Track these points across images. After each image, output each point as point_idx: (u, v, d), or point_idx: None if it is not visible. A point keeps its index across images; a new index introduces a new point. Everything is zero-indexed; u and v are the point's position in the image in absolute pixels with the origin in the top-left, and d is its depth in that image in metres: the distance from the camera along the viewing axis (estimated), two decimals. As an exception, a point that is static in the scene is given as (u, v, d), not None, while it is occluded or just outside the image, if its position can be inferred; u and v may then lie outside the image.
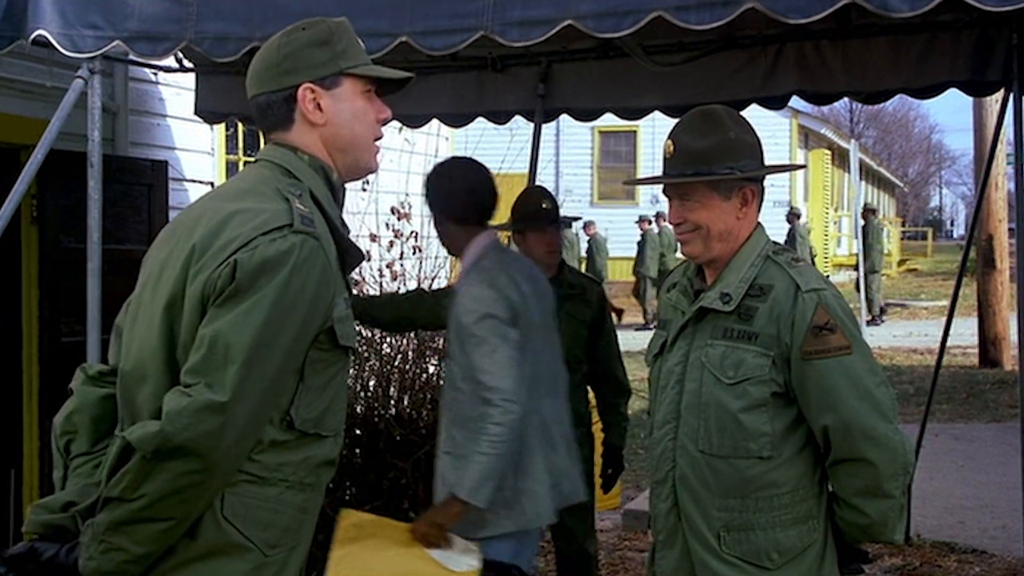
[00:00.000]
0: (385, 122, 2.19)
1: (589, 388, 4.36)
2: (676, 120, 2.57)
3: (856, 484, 2.34)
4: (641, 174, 22.11)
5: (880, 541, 2.43)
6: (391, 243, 5.72)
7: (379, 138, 2.19)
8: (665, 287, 2.64)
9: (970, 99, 9.29)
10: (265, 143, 2.19)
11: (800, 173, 24.05)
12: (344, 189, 2.18)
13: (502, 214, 4.29)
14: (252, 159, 6.19)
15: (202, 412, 1.83)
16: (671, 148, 2.45)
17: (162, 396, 1.89)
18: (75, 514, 2.01)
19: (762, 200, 2.51)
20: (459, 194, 3.25)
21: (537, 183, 4.96)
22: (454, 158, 3.57)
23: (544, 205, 4.15)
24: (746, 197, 2.44)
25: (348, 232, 2.13)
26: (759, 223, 2.50)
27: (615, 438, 4.29)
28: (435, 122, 5.38)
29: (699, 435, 2.41)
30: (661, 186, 2.52)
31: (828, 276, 10.32)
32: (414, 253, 5.78)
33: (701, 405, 2.40)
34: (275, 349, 1.90)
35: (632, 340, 15.07)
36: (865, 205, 18.85)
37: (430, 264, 5.80)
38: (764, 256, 2.43)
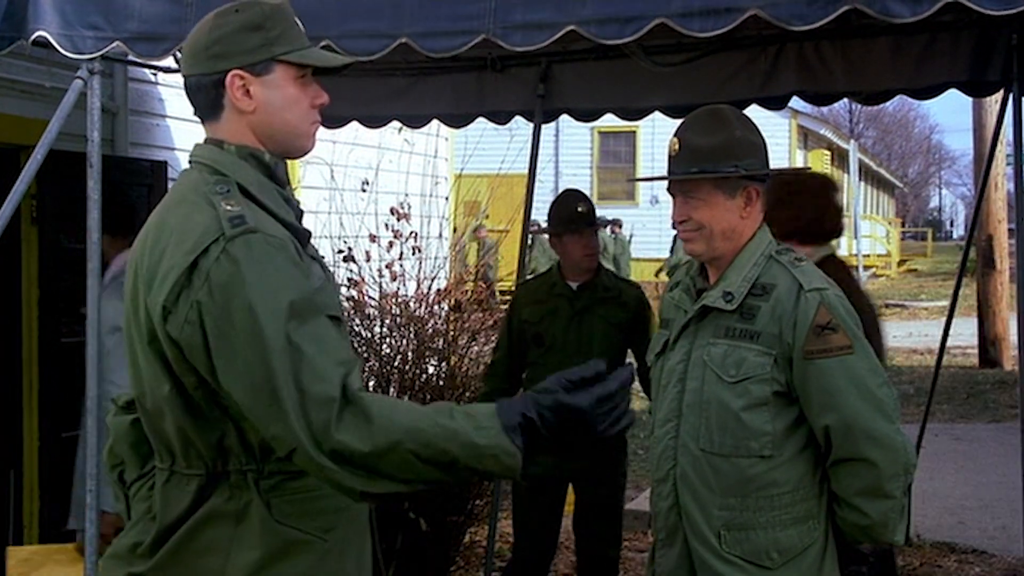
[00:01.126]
0: (322, 106, 2.11)
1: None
2: (676, 121, 2.58)
3: (857, 484, 2.33)
4: (640, 175, 22.11)
5: (881, 542, 2.43)
6: (390, 244, 5.71)
7: (316, 122, 2.11)
8: (668, 286, 2.65)
9: (970, 99, 9.29)
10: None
11: (800, 173, 24.01)
12: (284, 164, 2.10)
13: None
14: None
15: (325, 450, 1.77)
16: (676, 146, 2.46)
17: (183, 428, 1.90)
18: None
19: (765, 201, 2.52)
20: None
21: (536, 184, 4.97)
22: None
23: (580, 209, 4.14)
24: (750, 196, 2.45)
25: (298, 208, 2.07)
26: (763, 223, 2.51)
27: None
28: (435, 122, 5.37)
29: (700, 433, 2.41)
30: (660, 187, 2.53)
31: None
32: (414, 253, 5.77)
33: (703, 403, 2.41)
34: (289, 335, 1.82)
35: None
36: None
37: (430, 265, 5.81)
38: (767, 256, 2.44)
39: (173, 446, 1.95)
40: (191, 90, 2.08)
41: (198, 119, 2.11)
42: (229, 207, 1.91)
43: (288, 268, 1.87)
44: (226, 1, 2.11)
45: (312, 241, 2.11)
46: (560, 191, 4.50)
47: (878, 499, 2.33)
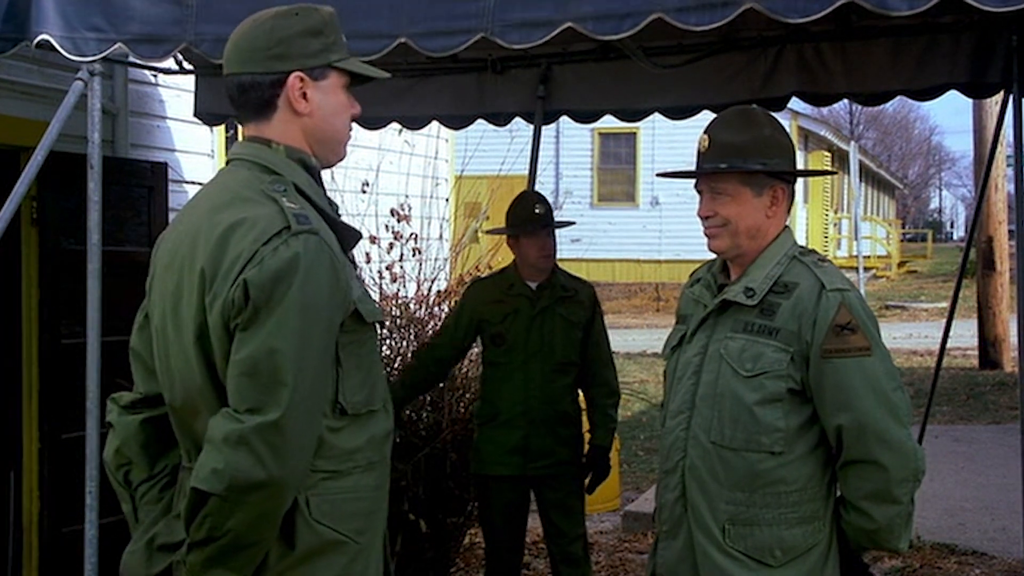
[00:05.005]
0: (355, 119, 2.19)
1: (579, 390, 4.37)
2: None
3: (865, 487, 2.33)
4: (641, 176, 22.11)
5: (885, 549, 2.43)
6: (391, 245, 5.72)
7: (351, 131, 2.20)
8: (688, 283, 2.65)
9: (970, 101, 9.29)
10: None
11: (800, 175, 23.99)
12: (320, 171, 2.16)
13: (503, 217, 4.31)
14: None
15: (261, 433, 1.83)
16: (706, 142, 2.48)
17: None
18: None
19: (791, 203, 2.53)
20: None
21: (537, 185, 4.97)
22: None
23: (537, 210, 4.18)
24: (776, 196, 2.46)
25: (337, 212, 2.12)
26: (787, 225, 2.52)
27: (601, 439, 4.30)
28: (435, 124, 5.37)
29: (712, 426, 2.41)
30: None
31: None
32: (414, 255, 5.78)
33: (716, 396, 2.41)
34: (310, 354, 1.89)
35: (631, 342, 15.08)
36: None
37: (430, 266, 5.81)
38: (790, 256, 2.46)
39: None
40: (241, 88, 2.08)
41: (239, 117, 2.12)
42: (292, 204, 1.96)
43: (328, 284, 1.93)
44: (226, 3, 2.12)
45: None
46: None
47: (885, 504, 2.33)
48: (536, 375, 4.15)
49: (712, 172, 2.46)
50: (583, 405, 4.35)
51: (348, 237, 2.09)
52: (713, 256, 2.60)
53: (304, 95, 2.06)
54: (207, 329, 1.92)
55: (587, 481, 4.32)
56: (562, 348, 4.17)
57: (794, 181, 2.54)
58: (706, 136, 2.49)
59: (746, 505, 2.37)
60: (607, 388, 4.33)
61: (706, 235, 2.51)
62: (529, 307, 4.19)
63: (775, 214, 2.47)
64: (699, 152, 2.50)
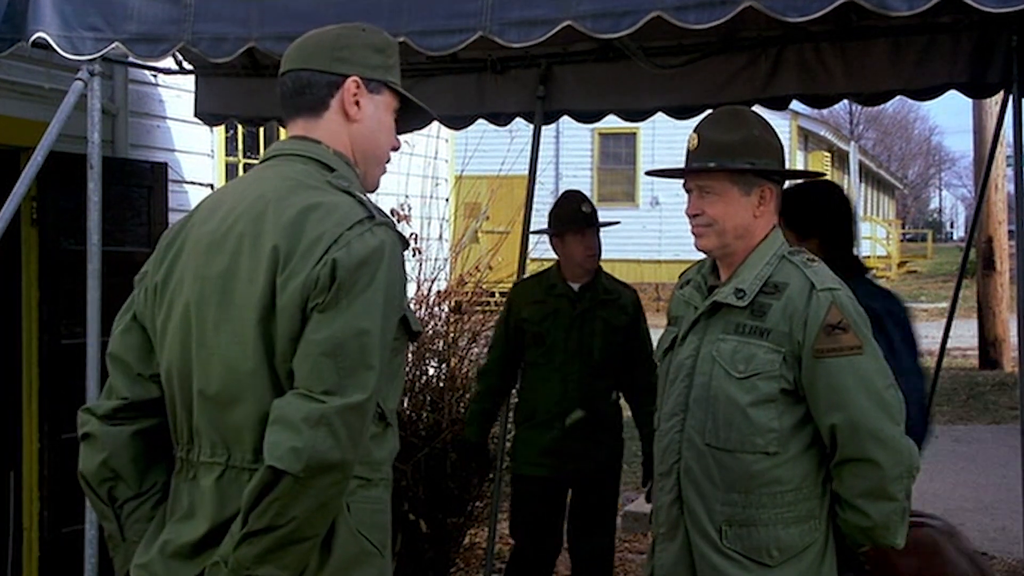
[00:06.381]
0: (395, 150, 2.20)
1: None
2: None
3: (860, 485, 2.34)
4: (641, 176, 22.10)
5: (882, 545, 2.43)
6: (391, 245, 5.70)
7: (389, 160, 2.20)
8: (679, 284, 2.66)
9: (970, 101, 9.30)
10: (276, 138, 2.16)
11: (800, 175, 23.99)
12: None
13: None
14: (254, 160, 6.20)
15: (344, 414, 1.80)
16: (695, 141, 2.49)
17: (267, 413, 1.84)
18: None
19: (780, 203, 2.53)
20: None
21: (537, 185, 4.97)
22: None
23: (584, 208, 4.16)
24: (764, 196, 2.47)
25: None
26: (776, 224, 2.52)
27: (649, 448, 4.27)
28: (435, 124, 5.37)
29: (706, 428, 2.41)
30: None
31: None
32: (414, 255, 5.78)
33: (710, 398, 2.41)
34: (386, 343, 1.89)
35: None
36: None
37: (430, 266, 5.81)
38: (780, 256, 2.46)
39: (241, 437, 1.90)
40: (300, 83, 2.08)
41: (290, 113, 2.11)
42: (364, 196, 1.97)
43: (401, 280, 1.94)
44: (223, 3, 2.13)
45: None
46: (561, 192, 4.50)
47: (880, 501, 2.33)
48: (574, 377, 4.11)
49: (699, 171, 2.46)
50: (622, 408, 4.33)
51: (401, 242, 2.09)
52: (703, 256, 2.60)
53: (357, 102, 2.08)
54: (273, 310, 1.87)
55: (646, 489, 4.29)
56: (601, 351, 4.11)
57: (783, 182, 2.54)
58: (695, 135, 2.50)
59: (742, 506, 2.38)
60: (653, 393, 4.30)
61: (693, 233, 2.52)
62: (570, 308, 4.15)
63: (763, 214, 2.47)
64: (688, 151, 2.51)
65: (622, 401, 4.35)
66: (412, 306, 5.48)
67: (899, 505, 2.35)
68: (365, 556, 1.96)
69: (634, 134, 22.09)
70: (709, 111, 4.57)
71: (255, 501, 1.80)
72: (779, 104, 4.64)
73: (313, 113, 2.08)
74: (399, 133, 2.21)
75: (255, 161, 4.37)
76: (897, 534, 2.37)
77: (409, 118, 2.23)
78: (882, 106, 5.31)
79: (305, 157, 2.04)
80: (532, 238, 5.02)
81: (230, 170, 6.29)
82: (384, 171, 2.20)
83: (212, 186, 5.81)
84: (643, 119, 5.06)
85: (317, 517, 1.82)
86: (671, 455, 2.49)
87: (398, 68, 2.16)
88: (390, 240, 1.92)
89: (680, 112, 4.77)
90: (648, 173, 2.86)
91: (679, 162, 2.62)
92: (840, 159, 27.13)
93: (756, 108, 4.59)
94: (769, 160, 2.47)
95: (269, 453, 1.79)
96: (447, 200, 7.98)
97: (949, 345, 5.65)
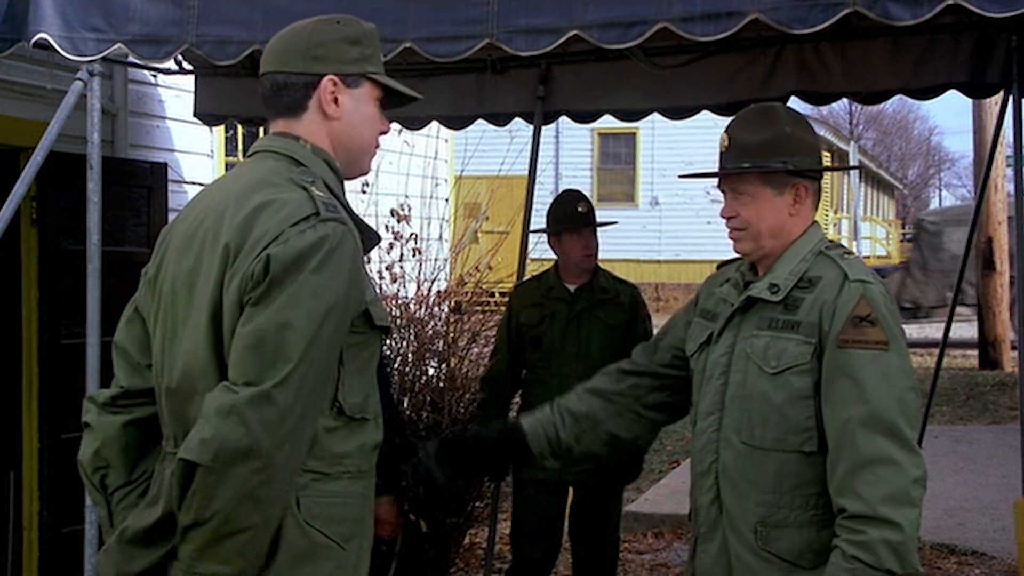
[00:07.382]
0: (383, 134, 2.21)
1: None
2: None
3: (883, 490, 2.16)
4: (641, 176, 22.10)
5: (910, 571, 2.17)
6: (390, 245, 5.72)
7: (378, 147, 2.22)
8: (718, 282, 2.61)
9: (970, 101, 9.28)
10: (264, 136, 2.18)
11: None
12: (343, 176, 2.17)
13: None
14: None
15: (253, 404, 1.81)
16: (726, 142, 2.45)
17: None
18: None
19: (818, 200, 2.48)
20: None
21: (536, 185, 4.97)
22: None
23: (580, 208, 4.14)
24: (799, 193, 2.42)
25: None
26: (815, 221, 2.48)
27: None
28: (435, 124, 5.37)
29: (742, 427, 2.37)
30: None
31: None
32: (414, 255, 5.78)
33: (745, 396, 2.37)
34: (320, 338, 1.88)
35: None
36: None
37: (430, 267, 5.81)
38: (817, 251, 2.41)
39: None
40: (276, 86, 2.11)
41: (269, 116, 2.14)
42: (320, 193, 1.97)
43: (347, 274, 1.93)
44: (228, 4, 2.13)
45: None
46: (559, 192, 4.49)
47: (906, 507, 2.16)
48: (572, 379, 4.09)
49: (729, 174, 2.43)
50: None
51: (369, 238, 2.10)
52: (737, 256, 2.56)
53: (335, 99, 2.09)
54: (222, 306, 1.91)
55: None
56: (599, 352, 4.04)
57: (820, 177, 2.48)
58: (726, 135, 2.46)
59: (777, 507, 2.32)
60: None
61: (730, 238, 2.48)
62: (566, 310, 4.14)
63: (799, 212, 2.42)
64: (720, 152, 2.47)
65: None
66: (412, 306, 5.48)
67: (919, 514, 2.19)
68: (317, 550, 1.96)
69: (634, 134, 22.09)
70: (708, 111, 4.62)
71: (180, 496, 1.84)
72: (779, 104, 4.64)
73: (292, 114, 2.11)
74: (394, 108, 2.23)
75: (255, 161, 4.35)
76: (915, 553, 2.18)
77: (398, 98, 2.23)
78: (882, 106, 5.31)
79: (278, 154, 2.07)
80: (532, 238, 5.03)
81: (229, 170, 6.30)
82: (374, 155, 2.21)
83: (212, 186, 5.81)
84: (642, 119, 5.07)
85: (244, 508, 1.82)
86: (708, 454, 2.44)
87: (378, 55, 2.17)
88: (336, 235, 1.92)
89: (680, 112, 4.78)
90: (681, 176, 2.84)
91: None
92: (840, 159, 27.11)
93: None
94: (802, 157, 2.42)
95: (183, 446, 1.84)
96: (447, 200, 7.98)
97: (949, 345, 5.65)
